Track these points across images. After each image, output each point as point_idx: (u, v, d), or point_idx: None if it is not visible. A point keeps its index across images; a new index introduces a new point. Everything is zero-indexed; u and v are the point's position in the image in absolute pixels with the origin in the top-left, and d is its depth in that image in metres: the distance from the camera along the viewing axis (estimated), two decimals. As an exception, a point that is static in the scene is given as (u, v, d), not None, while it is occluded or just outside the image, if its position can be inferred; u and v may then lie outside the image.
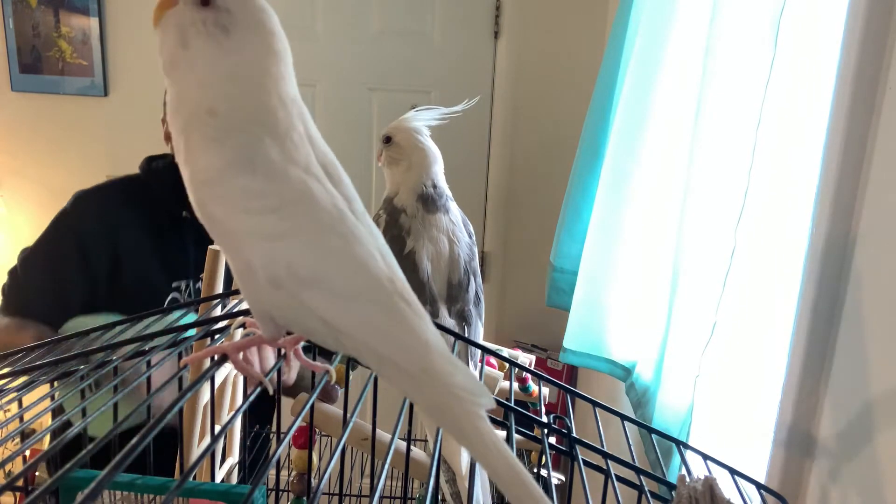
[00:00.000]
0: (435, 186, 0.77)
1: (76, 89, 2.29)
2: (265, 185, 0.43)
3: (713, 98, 0.88)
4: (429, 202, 0.76)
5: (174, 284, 1.23)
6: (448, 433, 0.40)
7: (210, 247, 0.73)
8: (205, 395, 0.71)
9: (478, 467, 0.40)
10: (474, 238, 0.79)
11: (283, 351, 0.53)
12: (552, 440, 0.64)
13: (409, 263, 0.72)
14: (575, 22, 2.13)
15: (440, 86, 2.21)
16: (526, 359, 0.94)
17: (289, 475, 0.75)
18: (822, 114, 0.69)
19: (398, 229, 0.74)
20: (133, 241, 1.22)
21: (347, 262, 0.42)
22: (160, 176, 1.26)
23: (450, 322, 0.73)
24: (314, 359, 0.59)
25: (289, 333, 0.51)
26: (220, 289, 0.74)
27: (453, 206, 0.78)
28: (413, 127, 0.78)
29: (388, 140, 0.79)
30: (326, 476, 0.39)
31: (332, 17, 2.21)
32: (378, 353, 0.41)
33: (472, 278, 0.76)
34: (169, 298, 1.22)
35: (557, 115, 2.16)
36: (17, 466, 1.91)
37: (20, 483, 0.49)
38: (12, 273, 1.21)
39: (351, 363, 0.64)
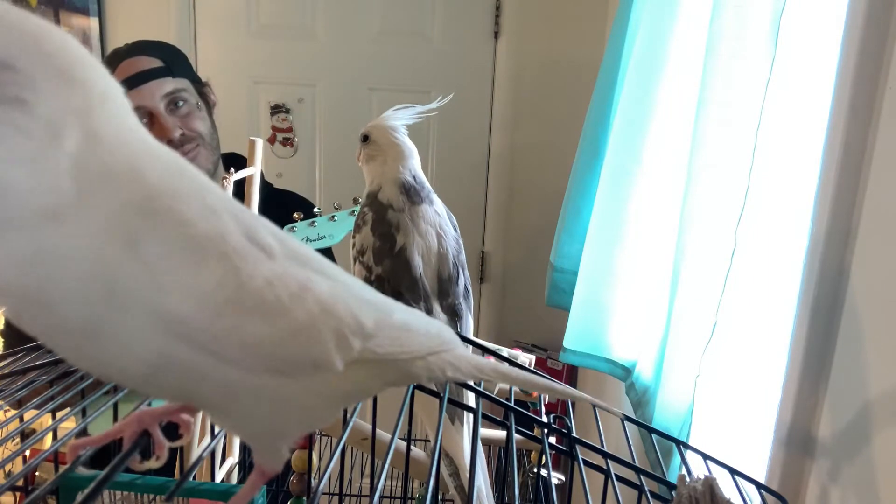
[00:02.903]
0: (415, 177, 0.79)
1: (76, 89, 2.29)
2: (274, 259, 0.32)
3: (713, 98, 0.88)
4: (412, 193, 0.77)
5: None
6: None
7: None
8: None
9: (478, 460, 0.40)
10: (459, 231, 0.80)
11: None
12: (552, 440, 0.64)
13: (400, 261, 0.72)
14: (575, 22, 2.13)
15: (440, 86, 2.21)
16: (526, 359, 0.94)
17: (288, 475, 0.75)
18: (822, 114, 0.69)
19: (386, 226, 0.74)
20: None
21: (367, 288, 0.37)
22: None
23: (442, 318, 0.73)
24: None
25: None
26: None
27: (436, 199, 0.80)
28: (390, 125, 0.81)
29: (365, 138, 0.81)
30: (326, 476, 0.39)
31: (332, 17, 2.21)
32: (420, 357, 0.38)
33: (460, 272, 0.76)
34: None
35: (557, 115, 2.16)
36: (17, 466, 1.91)
37: (20, 483, 0.49)
38: None
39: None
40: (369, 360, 0.35)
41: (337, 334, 0.33)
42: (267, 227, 0.33)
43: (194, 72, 1.26)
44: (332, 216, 1.17)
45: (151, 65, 1.16)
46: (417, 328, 0.38)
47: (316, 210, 1.05)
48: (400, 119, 0.81)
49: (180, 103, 1.18)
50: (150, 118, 1.15)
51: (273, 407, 0.32)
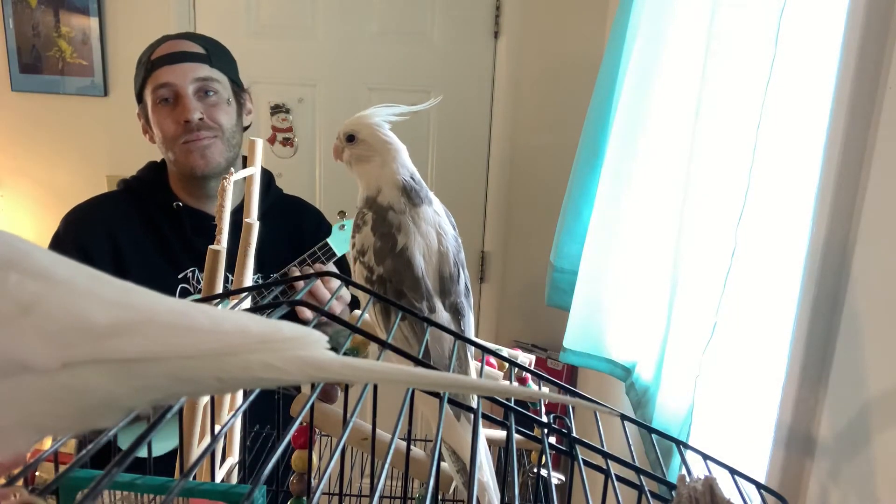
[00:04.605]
0: (412, 176, 0.76)
1: (76, 89, 2.29)
2: None
3: (713, 98, 0.88)
4: (412, 194, 0.75)
5: (180, 276, 1.24)
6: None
7: (210, 247, 0.73)
8: (205, 395, 0.71)
9: (486, 457, 0.40)
10: (457, 230, 0.79)
11: None
12: (552, 440, 0.64)
13: (402, 260, 0.72)
14: (575, 22, 2.13)
15: (440, 86, 2.21)
16: (526, 359, 0.94)
17: (288, 475, 0.75)
18: (822, 114, 0.69)
19: (387, 227, 0.74)
20: (132, 240, 1.23)
21: (123, 291, 0.37)
22: (143, 176, 1.31)
23: (445, 316, 0.73)
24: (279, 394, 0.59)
25: None
26: (220, 289, 0.74)
27: (434, 198, 0.78)
28: (376, 122, 0.77)
29: (351, 138, 0.77)
30: (326, 476, 0.39)
31: (332, 17, 2.21)
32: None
33: (460, 270, 0.76)
34: (178, 290, 1.23)
35: (557, 115, 2.16)
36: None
37: (20, 483, 0.49)
38: None
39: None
40: (114, 360, 0.33)
41: (42, 332, 0.32)
42: None
43: (237, 73, 1.30)
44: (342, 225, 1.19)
45: (192, 49, 1.21)
46: (202, 326, 0.36)
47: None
48: (381, 115, 0.77)
49: (210, 93, 1.22)
50: (175, 98, 1.19)
51: None
